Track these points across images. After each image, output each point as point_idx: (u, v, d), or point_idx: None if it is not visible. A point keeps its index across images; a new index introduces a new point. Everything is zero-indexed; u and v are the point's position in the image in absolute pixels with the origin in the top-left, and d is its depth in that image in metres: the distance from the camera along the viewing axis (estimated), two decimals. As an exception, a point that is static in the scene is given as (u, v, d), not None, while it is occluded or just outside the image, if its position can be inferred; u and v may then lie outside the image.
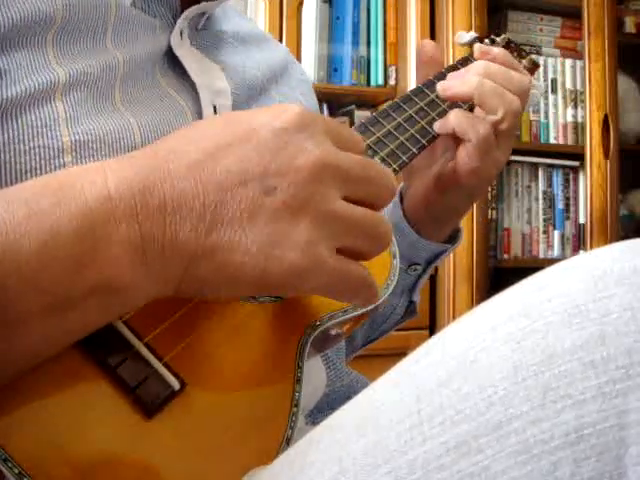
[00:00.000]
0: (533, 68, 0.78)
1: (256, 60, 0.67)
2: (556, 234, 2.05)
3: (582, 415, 0.30)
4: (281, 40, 1.83)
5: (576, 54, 2.10)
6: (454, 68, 0.69)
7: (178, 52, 0.56)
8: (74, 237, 0.35)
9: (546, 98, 2.07)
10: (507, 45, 0.77)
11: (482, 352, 0.33)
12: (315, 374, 0.56)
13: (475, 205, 1.85)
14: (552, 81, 2.07)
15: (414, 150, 0.60)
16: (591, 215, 1.98)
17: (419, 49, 0.70)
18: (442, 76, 0.68)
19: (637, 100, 2.16)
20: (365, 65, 1.95)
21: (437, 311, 1.86)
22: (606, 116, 1.99)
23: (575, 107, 2.07)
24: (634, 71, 2.17)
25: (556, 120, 2.06)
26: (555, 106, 2.07)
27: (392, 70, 1.95)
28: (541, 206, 2.06)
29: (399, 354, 0.42)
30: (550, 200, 2.07)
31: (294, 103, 0.48)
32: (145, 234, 0.37)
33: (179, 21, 0.57)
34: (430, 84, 0.67)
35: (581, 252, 1.99)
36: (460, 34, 0.77)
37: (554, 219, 2.06)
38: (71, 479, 0.36)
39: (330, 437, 0.36)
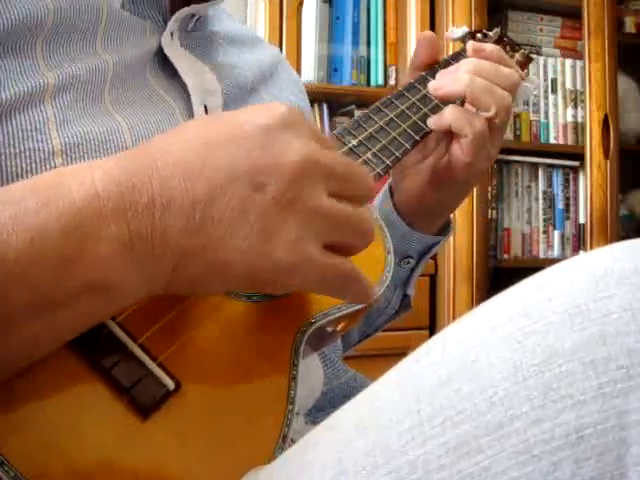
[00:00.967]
0: (526, 61, 0.78)
1: (246, 61, 0.67)
2: (556, 234, 2.05)
3: (583, 415, 0.30)
4: (281, 40, 1.83)
5: (576, 54, 2.10)
6: (447, 64, 0.69)
7: (169, 53, 0.57)
8: (62, 235, 0.35)
9: (546, 98, 2.07)
10: (499, 39, 0.77)
11: (482, 352, 0.33)
12: (312, 372, 0.56)
13: (475, 205, 1.85)
14: (552, 81, 2.07)
15: (407, 146, 0.60)
16: (591, 215, 1.98)
17: (419, 38, 0.70)
18: (434, 71, 0.68)
19: (637, 100, 2.16)
20: (365, 65, 1.95)
21: (437, 311, 1.86)
22: (606, 116, 1.99)
23: (575, 107, 2.07)
24: (634, 71, 2.17)
25: (556, 120, 2.06)
26: (555, 106, 2.07)
27: (392, 70, 1.95)
28: (541, 206, 2.06)
29: (399, 354, 0.42)
30: (550, 200, 2.07)
31: (281, 102, 0.48)
32: (134, 232, 0.37)
33: (170, 23, 0.57)
34: (422, 80, 0.67)
35: (581, 252, 1.99)
36: (452, 29, 0.77)
37: (554, 219, 2.06)
38: None
39: (330, 437, 0.36)
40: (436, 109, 0.64)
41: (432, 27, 1.91)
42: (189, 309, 0.45)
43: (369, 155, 0.57)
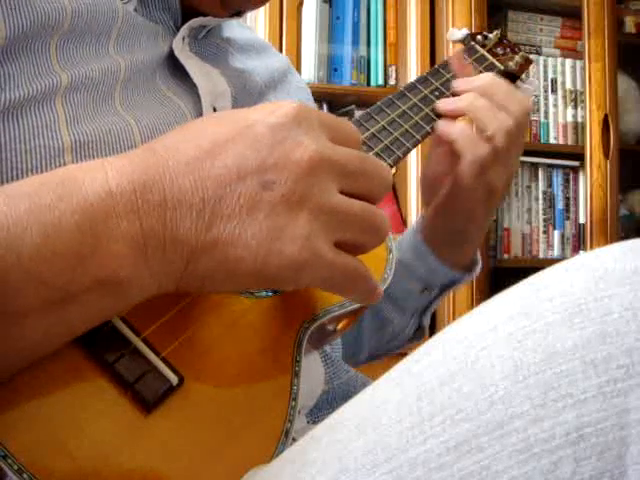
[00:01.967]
0: (525, 64, 0.78)
1: (255, 67, 0.67)
2: (556, 234, 2.05)
3: (583, 414, 0.30)
4: (281, 40, 1.83)
5: (576, 54, 2.10)
6: (446, 64, 0.70)
7: (180, 57, 0.57)
8: (75, 232, 0.35)
9: (546, 98, 2.07)
10: (500, 41, 0.77)
11: (483, 352, 0.33)
12: (314, 370, 0.56)
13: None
14: (552, 81, 2.07)
15: (408, 145, 0.61)
16: (591, 215, 1.98)
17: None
18: (436, 72, 0.69)
19: (637, 100, 2.16)
20: (365, 65, 1.95)
21: (437, 311, 1.85)
22: (606, 116, 1.99)
23: (575, 107, 2.07)
24: (634, 71, 2.17)
25: (556, 120, 2.06)
26: (555, 106, 2.07)
27: (392, 70, 1.95)
28: (541, 206, 2.06)
29: (400, 354, 0.42)
30: (550, 200, 2.07)
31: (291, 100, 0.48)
32: (146, 230, 0.37)
33: (182, 28, 0.58)
34: (423, 80, 0.67)
35: (581, 252, 1.99)
36: (452, 31, 0.77)
37: (554, 219, 2.06)
38: (71, 474, 0.36)
39: (331, 436, 0.36)
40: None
41: (432, 27, 1.91)
42: (193, 304, 0.45)
43: (371, 155, 0.58)
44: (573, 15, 2.06)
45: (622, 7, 2.14)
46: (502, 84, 0.65)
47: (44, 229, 0.35)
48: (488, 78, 0.66)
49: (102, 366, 0.40)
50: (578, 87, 2.08)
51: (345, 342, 0.73)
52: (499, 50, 0.76)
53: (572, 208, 2.08)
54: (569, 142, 2.06)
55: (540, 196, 2.06)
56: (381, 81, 1.95)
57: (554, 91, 2.07)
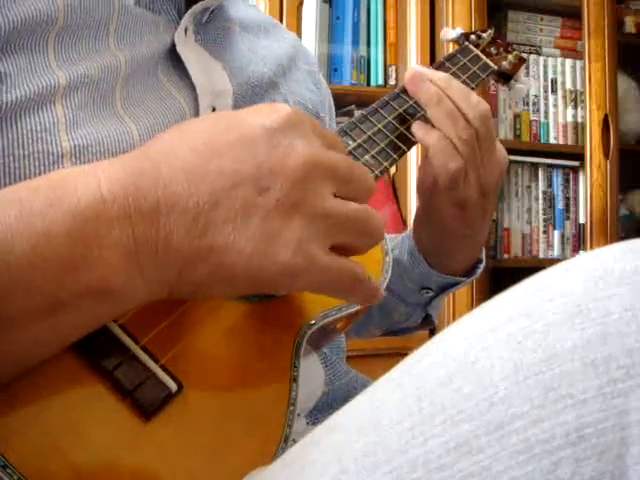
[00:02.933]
0: (519, 62, 0.78)
1: (263, 53, 0.66)
2: (556, 234, 2.05)
3: (583, 415, 0.30)
4: (281, 40, 1.83)
5: (576, 54, 2.10)
6: (441, 64, 0.70)
7: (181, 51, 0.56)
8: (66, 239, 0.35)
9: (546, 98, 2.07)
10: (493, 40, 0.77)
11: (483, 352, 0.33)
12: (313, 373, 0.56)
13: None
14: (552, 81, 2.07)
15: (395, 156, 0.60)
16: (591, 215, 1.98)
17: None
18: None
19: (637, 100, 2.16)
20: (365, 65, 1.95)
21: (437, 311, 1.85)
22: (606, 116, 1.99)
23: (575, 107, 2.07)
24: (634, 71, 2.17)
25: (556, 120, 2.06)
26: (555, 106, 2.07)
27: (392, 70, 1.95)
28: (541, 206, 2.06)
29: (399, 354, 0.42)
30: (550, 200, 2.07)
31: (297, 99, 0.48)
32: (138, 237, 0.37)
33: (184, 18, 0.57)
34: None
35: (581, 252, 1.99)
36: (446, 31, 0.77)
37: (554, 219, 2.06)
38: None
39: (331, 437, 0.36)
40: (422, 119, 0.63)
41: (432, 27, 1.91)
42: (191, 311, 0.45)
43: (367, 157, 0.57)
44: (573, 15, 2.06)
45: (622, 7, 2.14)
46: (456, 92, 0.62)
47: (35, 236, 0.34)
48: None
49: (101, 374, 0.40)
50: (578, 87, 2.08)
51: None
52: (492, 49, 0.76)
53: (572, 208, 2.08)
54: (569, 142, 2.06)
55: (540, 196, 2.06)
56: (381, 81, 1.95)
57: (554, 91, 2.07)
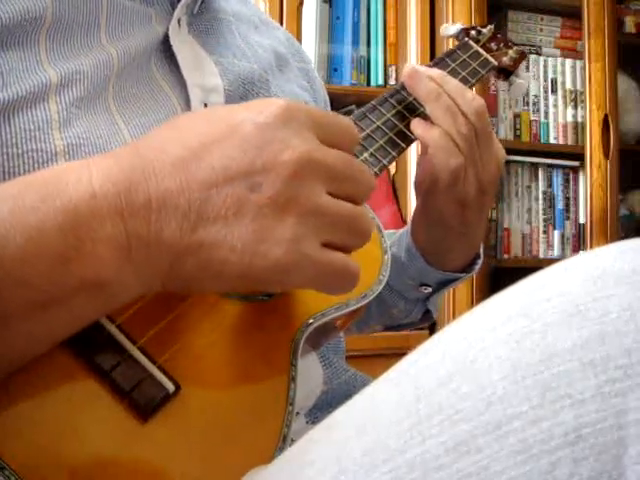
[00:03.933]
0: (520, 58, 0.78)
1: (254, 50, 0.66)
2: (556, 234, 2.05)
3: (581, 415, 0.30)
4: (281, 40, 1.83)
5: (576, 54, 2.10)
6: (440, 60, 0.70)
7: (174, 44, 0.56)
8: (59, 233, 0.35)
9: (546, 98, 2.07)
10: (494, 36, 0.77)
11: (481, 352, 0.33)
12: (311, 372, 0.56)
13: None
14: (552, 81, 2.07)
15: (394, 154, 0.60)
16: (591, 215, 1.98)
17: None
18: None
19: (637, 100, 2.16)
20: (365, 65, 1.95)
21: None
22: (606, 116, 1.99)
23: (575, 107, 2.07)
24: (634, 71, 2.17)
25: (556, 120, 2.06)
26: (555, 106, 2.06)
27: (392, 70, 1.95)
28: (541, 206, 2.06)
29: (399, 354, 0.42)
30: (550, 200, 2.07)
31: (281, 97, 0.48)
32: (130, 232, 0.37)
33: (177, 9, 0.56)
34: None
35: (581, 252, 1.99)
36: (445, 26, 0.77)
37: (554, 219, 2.06)
38: None
39: (329, 436, 0.36)
40: (421, 116, 0.64)
41: (432, 27, 1.91)
42: (188, 311, 0.45)
43: (366, 155, 0.57)
44: (573, 15, 2.06)
45: (622, 7, 2.13)
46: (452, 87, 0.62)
47: (27, 231, 0.35)
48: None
49: (98, 374, 0.40)
50: (578, 87, 2.07)
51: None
52: (493, 45, 0.76)
53: (572, 208, 2.08)
54: (569, 142, 2.06)
55: (540, 196, 2.06)
56: (381, 81, 1.95)
57: (554, 91, 2.07)
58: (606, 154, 1.97)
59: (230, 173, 0.38)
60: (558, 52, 2.11)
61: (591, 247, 1.98)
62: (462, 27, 0.76)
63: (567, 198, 2.08)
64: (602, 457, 0.30)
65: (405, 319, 0.79)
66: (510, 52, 0.77)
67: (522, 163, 2.04)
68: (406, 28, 1.93)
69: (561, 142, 2.06)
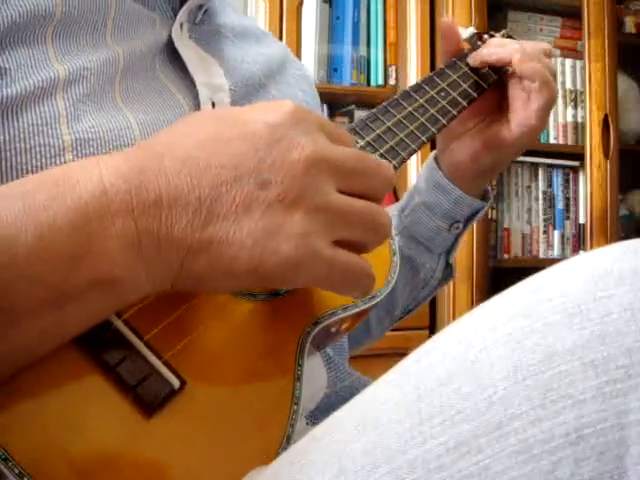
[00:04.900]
0: None
1: (253, 56, 0.67)
2: (556, 234, 2.05)
3: (582, 415, 0.30)
4: (281, 40, 1.83)
5: (576, 54, 2.10)
6: (452, 64, 0.70)
7: (179, 45, 0.57)
8: (70, 231, 0.35)
9: (546, 98, 2.06)
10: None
11: (482, 352, 0.33)
12: (316, 374, 0.56)
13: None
14: (552, 81, 2.07)
15: (413, 146, 0.60)
16: (591, 215, 1.98)
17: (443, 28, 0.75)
18: (442, 72, 0.69)
19: (637, 100, 2.16)
20: (365, 65, 1.95)
21: (437, 311, 1.85)
22: (606, 116, 1.99)
23: (575, 107, 2.07)
24: (634, 71, 2.17)
25: (556, 120, 2.06)
26: (555, 106, 2.07)
27: (392, 70, 1.95)
28: (541, 206, 2.06)
29: (399, 354, 0.42)
30: (550, 200, 2.07)
31: (289, 99, 0.49)
32: (141, 229, 0.37)
33: (180, 13, 0.57)
34: (429, 81, 0.67)
35: (581, 252, 1.99)
36: (459, 30, 0.77)
37: (554, 219, 2.06)
38: (71, 478, 0.36)
39: (330, 436, 0.36)
40: (442, 111, 0.65)
41: (432, 27, 1.91)
42: (195, 308, 0.45)
43: (376, 156, 0.57)
44: (573, 15, 2.06)
45: (622, 7, 2.14)
46: (532, 45, 0.71)
47: (39, 229, 0.35)
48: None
49: (104, 369, 0.40)
50: (578, 87, 2.08)
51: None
52: None
53: (572, 208, 2.08)
54: (569, 142, 2.06)
55: (540, 196, 2.06)
56: (381, 81, 1.95)
57: (554, 91, 2.07)
58: (606, 154, 1.97)
59: (240, 171, 0.39)
60: (558, 52, 2.11)
61: (591, 247, 1.98)
62: (475, 31, 0.76)
63: (567, 198, 2.08)
64: (603, 457, 0.30)
65: (430, 281, 0.79)
66: None
67: (522, 163, 2.04)
68: (406, 28, 1.93)
69: (561, 142, 2.06)
